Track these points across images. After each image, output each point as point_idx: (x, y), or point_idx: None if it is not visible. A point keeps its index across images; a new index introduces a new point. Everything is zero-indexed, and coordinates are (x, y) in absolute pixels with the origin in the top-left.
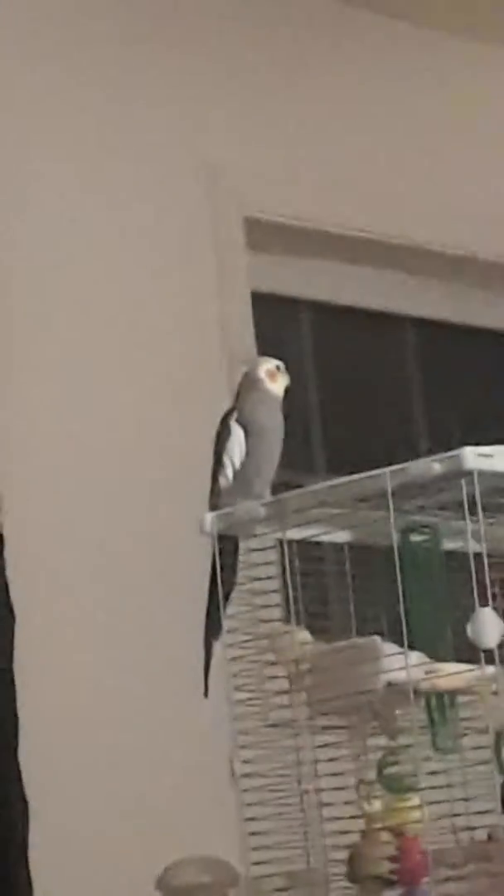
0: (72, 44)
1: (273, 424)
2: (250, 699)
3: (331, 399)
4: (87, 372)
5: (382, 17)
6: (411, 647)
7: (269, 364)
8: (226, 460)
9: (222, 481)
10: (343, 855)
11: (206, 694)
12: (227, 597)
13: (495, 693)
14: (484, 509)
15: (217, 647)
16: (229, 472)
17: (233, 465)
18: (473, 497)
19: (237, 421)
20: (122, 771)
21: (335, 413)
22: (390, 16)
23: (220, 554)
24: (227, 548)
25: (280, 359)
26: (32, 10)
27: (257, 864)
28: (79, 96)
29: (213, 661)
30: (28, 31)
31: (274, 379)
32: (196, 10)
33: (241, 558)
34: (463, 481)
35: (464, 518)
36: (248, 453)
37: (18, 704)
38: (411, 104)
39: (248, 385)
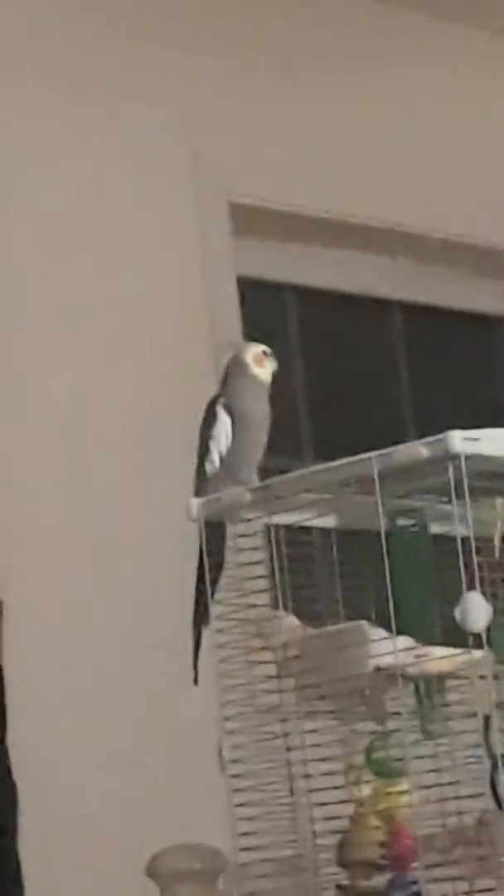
0: (60, 34)
1: (260, 410)
2: (238, 685)
3: (317, 384)
4: (74, 358)
5: (368, 4)
6: (399, 632)
7: (256, 349)
8: (212, 446)
9: (209, 467)
10: (332, 840)
11: (195, 681)
12: (215, 583)
13: (483, 677)
14: (471, 493)
15: (206, 633)
16: (216, 457)
17: (219, 450)
18: (460, 481)
19: (224, 406)
20: (111, 757)
21: (322, 398)
22: (377, 1)
23: (207, 540)
24: (214, 534)
25: (266, 344)
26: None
27: (246, 849)
28: (66, 85)
29: (202, 648)
30: (17, 20)
31: (261, 364)
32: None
33: (228, 544)
34: (450, 465)
35: (451, 502)
36: (234, 439)
37: (6, 692)
38: (398, 89)
39: (235, 370)
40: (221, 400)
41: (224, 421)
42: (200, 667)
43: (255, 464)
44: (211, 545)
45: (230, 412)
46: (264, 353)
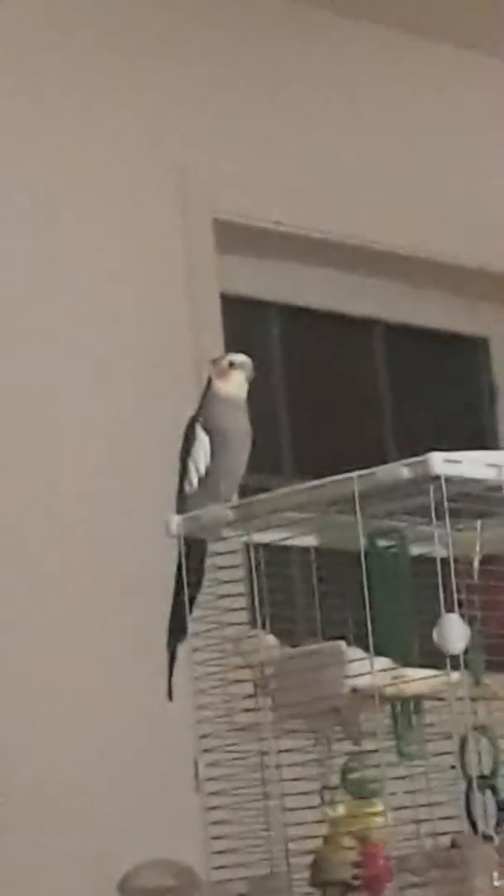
0: (41, 48)
1: (237, 428)
2: (215, 703)
3: (299, 402)
4: (56, 374)
5: (350, 21)
6: (377, 653)
7: (221, 362)
8: (190, 466)
9: (187, 486)
10: (306, 860)
11: (169, 697)
12: (191, 600)
13: (460, 699)
14: (451, 515)
15: (182, 650)
16: (194, 477)
17: (198, 470)
18: (441, 502)
19: (202, 425)
20: (85, 773)
21: (303, 416)
22: (358, 19)
23: (187, 557)
24: (193, 551)
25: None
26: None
27: (220, 867)
28: (48, 99)
29: (179, 665)
30: (3, 35)
31: (226, 376)
32: (166, 14)
33: (207, 562)
34: (431, 486)
35: (431, 523)
36: (213, 457)
37: None
38: (382, 108)
39: (208, 389)
40: (200, 419)
41: (202, 439)
42: (178, 684)
43: (235, 482)
44: (190, 563)
45: (208, 431)
46: (230, 363)
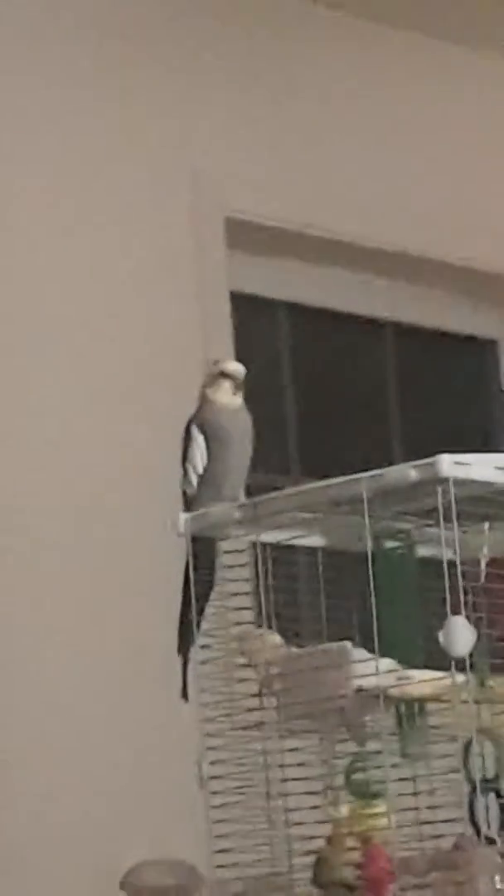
0: (57, 48)
1: (234, 426)
2: (220, 702)
3: (307, 402)
4: (66, 371)
5: (366, 23)
6: (382, 654)
7: (213, 372)
8: (188, 467)
9: (187, 488)
10: (308, 860)
11: (184, 696)
12: (206, 597)
13: (465, 701)
14: (459, 517)
15: (191, 649)
16: (192, 478)
17: (195, 471)
18: (449, 505)
19: (198, 426)
20: (89, 771)
21: (312, 416)
22: (370, 21)
23: (197, 556)
24: (204, 550)
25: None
26: (18, 13)
27: (222, 867)
28: (63, 98)
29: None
30: (15, 34)
31: (215, 383)
32: (181, 15)
33: (218, 562)
34: (439, 488)
35: (439, 525)
36: (211, 458)
37: None
38: (396, 108)
39: (204, 393)
40: (195, 420)
41: (198, 440)
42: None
43: (238, 480)
44: (201, 561)
45: (204, 431)
46: (221, 372)
